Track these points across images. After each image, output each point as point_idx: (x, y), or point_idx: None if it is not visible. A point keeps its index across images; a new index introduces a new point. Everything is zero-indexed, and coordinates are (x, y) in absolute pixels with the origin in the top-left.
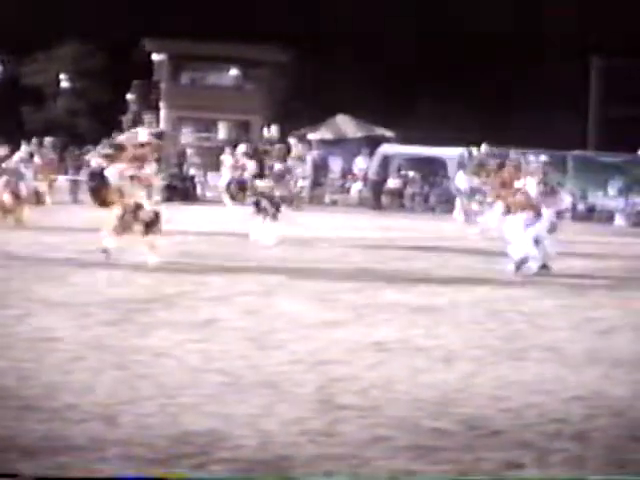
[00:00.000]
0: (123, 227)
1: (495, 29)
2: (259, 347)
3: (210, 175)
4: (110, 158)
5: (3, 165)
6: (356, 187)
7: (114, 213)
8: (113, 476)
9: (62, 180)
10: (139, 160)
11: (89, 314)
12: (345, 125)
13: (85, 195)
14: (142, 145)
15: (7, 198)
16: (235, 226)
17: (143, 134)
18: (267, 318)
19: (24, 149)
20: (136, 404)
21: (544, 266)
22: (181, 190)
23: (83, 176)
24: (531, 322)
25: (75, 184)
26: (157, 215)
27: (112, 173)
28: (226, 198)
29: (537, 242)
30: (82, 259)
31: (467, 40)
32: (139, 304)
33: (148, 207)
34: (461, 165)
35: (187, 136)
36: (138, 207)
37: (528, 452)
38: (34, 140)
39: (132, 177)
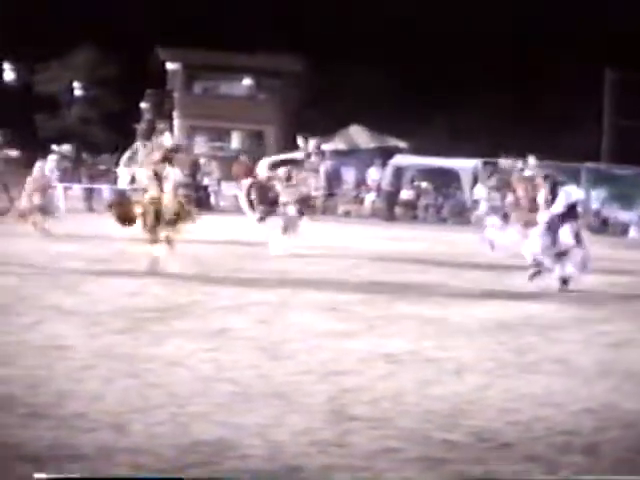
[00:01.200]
0: (152, 231)
1: (510, 42)
2: (270, 357)
3: (224, 184)
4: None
5: (33, 174)
6: (369, 198)
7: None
8: (115, 476)
9: (76, 188)
10: (163, 163)
11: (100, 322)
12: (358, 136)
13: (99, 204)
14: (168, 150)
15: (31, 207)
16: (248, 236)
17: (168, 139)
18: (279, 328)
19: (52, 158)
20: (146, 413)
21: (564, 281)
22: (195, 199)
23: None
24: (543, 335)
25: (89, 192)
26: (179, 214)
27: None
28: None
29: (558, 256)
30: (94, 267)
31: (481, 51)
32: (151, 313)
33: (171, 208)
34: (475, 177)
35: (200, 145)
36: (160, 208)
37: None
38: (54, 148)
39: (156, 178)
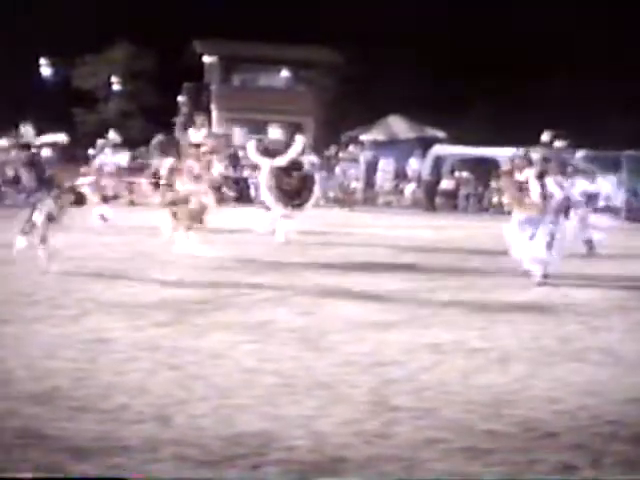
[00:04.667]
0: (179, 220)
1: (551, 26)
2: (312, 348)
3: None
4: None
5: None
6: (409, 188)
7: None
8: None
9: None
10: (192, 158)
11: (143, 315)
12: (397, 126)
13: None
14: (196, 145)
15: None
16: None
17: (196, 135)
18: (321, 319)
19: (105, 151)
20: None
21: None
22: (234, 192)
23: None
24: (586, 323)
25: (130, 185)
26: (204, 207)
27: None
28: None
29: (547, 244)
30: (134, 259)
31: (522, 39)
32: (193, 305)
33: (197, 201)
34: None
35: (239, 137)
36: (187, 201)
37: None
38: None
39: (185, 172)
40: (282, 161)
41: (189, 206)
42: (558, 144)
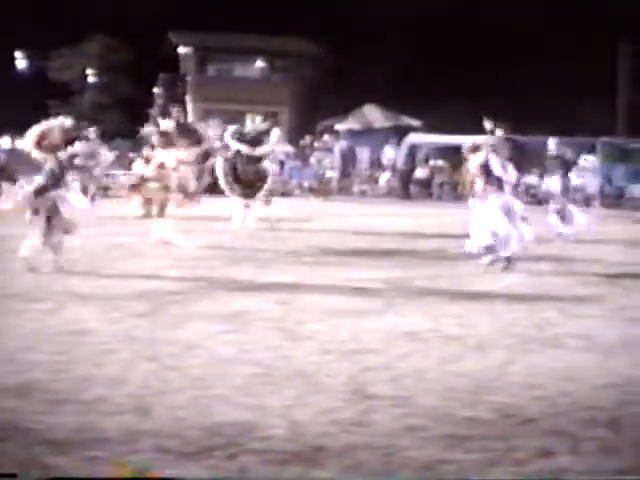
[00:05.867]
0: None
1: (522, 15)
2: (290, 337)
3: None
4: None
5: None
6: (384, 177)
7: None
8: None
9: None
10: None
11: (120, 307)
12: (372, 115)
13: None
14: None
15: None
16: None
17: (166, 123)
18: (298, 308)
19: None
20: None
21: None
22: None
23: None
24: (562, 310)
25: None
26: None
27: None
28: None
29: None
30: (110, 251)
31: (494, 27)
32: (169, 296)
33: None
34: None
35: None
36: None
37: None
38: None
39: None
40: (261, 151)
41: (165, 194)
42: (499, 132)
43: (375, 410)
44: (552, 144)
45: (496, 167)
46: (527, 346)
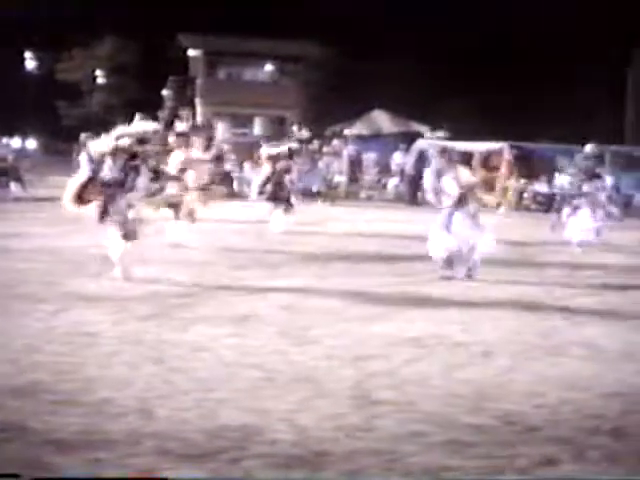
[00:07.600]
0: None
1: (532, 23)
2: (295, 342)
3: (246, 170)
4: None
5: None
6: (392, 182)
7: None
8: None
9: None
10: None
11: (126, 309)
12: (381, 120)
13: None
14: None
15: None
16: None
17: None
18: (303, 312)
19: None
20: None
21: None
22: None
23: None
24: (568, 318)
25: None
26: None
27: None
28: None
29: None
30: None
31: (503, 35)
32: (176, 298)
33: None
34: None
35: (223, 132)
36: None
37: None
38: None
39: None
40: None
41: (184, 197)
42: (439, 134)
43: (379, 415)
44: (589, 149)
45: (447, 181)
46: (531, 353)
